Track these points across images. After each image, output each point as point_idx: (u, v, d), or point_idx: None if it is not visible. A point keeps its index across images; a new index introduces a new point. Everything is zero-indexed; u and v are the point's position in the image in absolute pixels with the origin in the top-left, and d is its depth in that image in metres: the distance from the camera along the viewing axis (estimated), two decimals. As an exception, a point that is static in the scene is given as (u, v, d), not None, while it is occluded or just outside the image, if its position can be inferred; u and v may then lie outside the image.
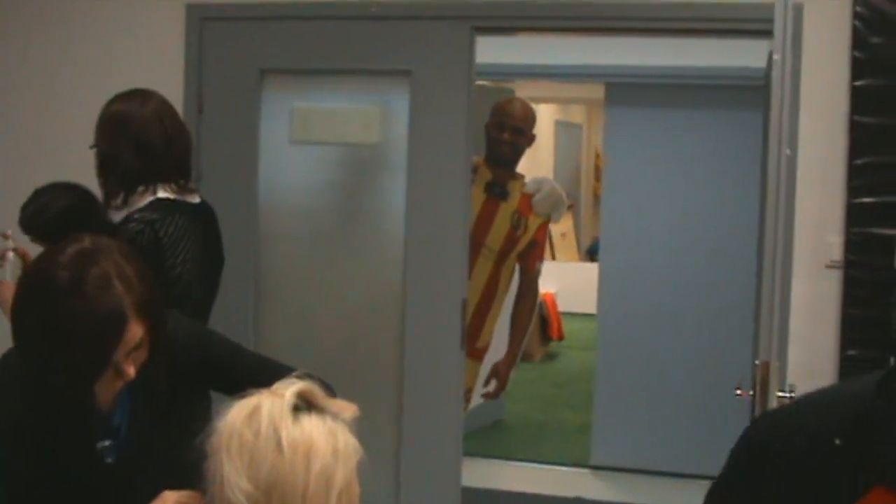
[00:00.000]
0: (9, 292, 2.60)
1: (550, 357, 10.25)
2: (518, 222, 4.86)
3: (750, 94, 5.33)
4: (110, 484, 2.14)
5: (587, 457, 6.39)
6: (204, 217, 3.15)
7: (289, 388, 1.63)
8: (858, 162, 3.66)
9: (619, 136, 6.39)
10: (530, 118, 4.97)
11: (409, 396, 4.06)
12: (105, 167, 3.05)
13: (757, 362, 2.88)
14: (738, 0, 3.78)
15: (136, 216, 2.94)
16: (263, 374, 1.92)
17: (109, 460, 2.15)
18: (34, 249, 2.63)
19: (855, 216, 3.66)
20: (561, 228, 12.36)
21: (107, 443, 2.14)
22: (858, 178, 3.66)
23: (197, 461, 1.61)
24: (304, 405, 1.63)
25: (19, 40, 4.40)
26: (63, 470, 2.10)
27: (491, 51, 4.53)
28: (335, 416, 1.64)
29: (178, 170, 3.09)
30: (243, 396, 1.64)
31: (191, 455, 1.62)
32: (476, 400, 5.16)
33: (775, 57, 2.87)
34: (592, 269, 7.23)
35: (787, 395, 3.01)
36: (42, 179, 2.95)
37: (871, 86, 3.65)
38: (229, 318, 3.27)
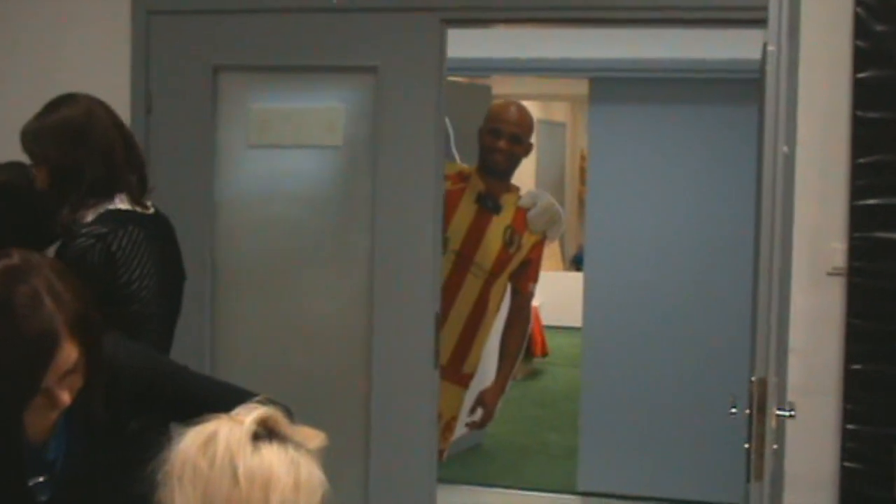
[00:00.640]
0: None
1: (534, 375, 10.26)
2: (511, 239, 4.80)
3: (744, 87, 5.36)
4: (44, 525, 2.11)
5: (574, 482, 6.41)
6: (161, 229, 3.12)
7: (249, 415, 1.63)
8: (862, 161, 3.64)
9: (605, 136, 6.42)
10: (528, 125, 4.87)
11: (378, 421, 4.04)
12: (65, 181, 2.98)
13: (754, 378, 2.88)
14: (731, -13, 3.80)
15: (83, 230, 2.90)
16: (221, 399, 1.91)
17: (43, 498, 2.12)
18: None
19: (859, 219, 3.65)
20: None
21: (41, 479, 2.12)
22: (862, 179, 3.64)
23: (146, 493, 1.60)
24: (265, 433, 1.62)
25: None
26: (-9, 510, 2.08)
27: (464, 44, 4.53)
28: (299, 446, 1.64)
29: (140, 177, 3.08)
30: (200, 422, 1.63)
31: (140, 487, 1.61)
32: (460, 430, 5.14)
33: (770, 48, 2.88)
34: (578, 278, 7.24)
35: (787, 413, 3.02)
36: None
37: (875, 78, 3.62)
38: (182, 339, 3.25)
